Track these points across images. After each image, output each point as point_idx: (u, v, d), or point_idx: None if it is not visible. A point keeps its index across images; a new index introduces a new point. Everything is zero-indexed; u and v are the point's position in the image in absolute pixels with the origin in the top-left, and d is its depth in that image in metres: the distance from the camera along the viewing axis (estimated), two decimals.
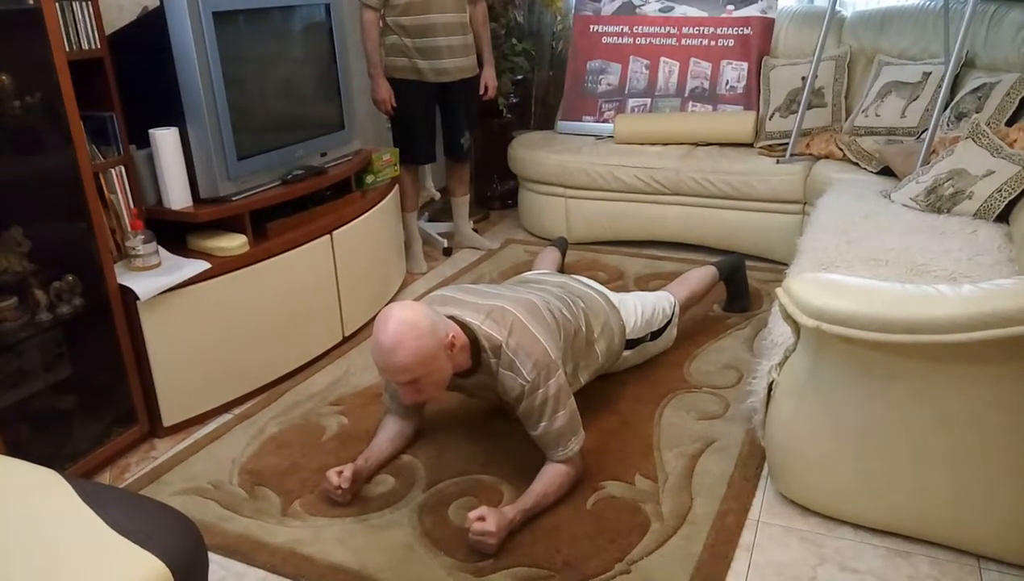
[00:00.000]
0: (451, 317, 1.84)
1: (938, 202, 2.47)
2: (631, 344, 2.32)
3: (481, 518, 1.72)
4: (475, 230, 3.80)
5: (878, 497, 1.73)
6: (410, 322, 1.68)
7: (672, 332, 2.49)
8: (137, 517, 1.14)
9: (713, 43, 3.73)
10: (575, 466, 1.90)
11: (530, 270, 2.73)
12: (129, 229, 2.20)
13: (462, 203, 3.67)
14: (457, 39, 3.21)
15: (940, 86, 2.92)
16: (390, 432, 2.09)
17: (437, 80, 3.23)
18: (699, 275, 2.65)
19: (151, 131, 2.27)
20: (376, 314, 2.96)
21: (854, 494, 1.76)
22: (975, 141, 2.52)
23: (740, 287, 2.84)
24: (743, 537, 1.79)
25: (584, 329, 2.07)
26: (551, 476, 1.87)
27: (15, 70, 1.93)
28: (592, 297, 2.21)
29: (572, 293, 2.16)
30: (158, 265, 2.21)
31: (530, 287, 2.16)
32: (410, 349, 1.67)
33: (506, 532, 1.76)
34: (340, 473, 1.91)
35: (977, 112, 2.87)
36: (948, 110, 3.00)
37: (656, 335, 2.41)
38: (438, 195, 4.05)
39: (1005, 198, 2.35)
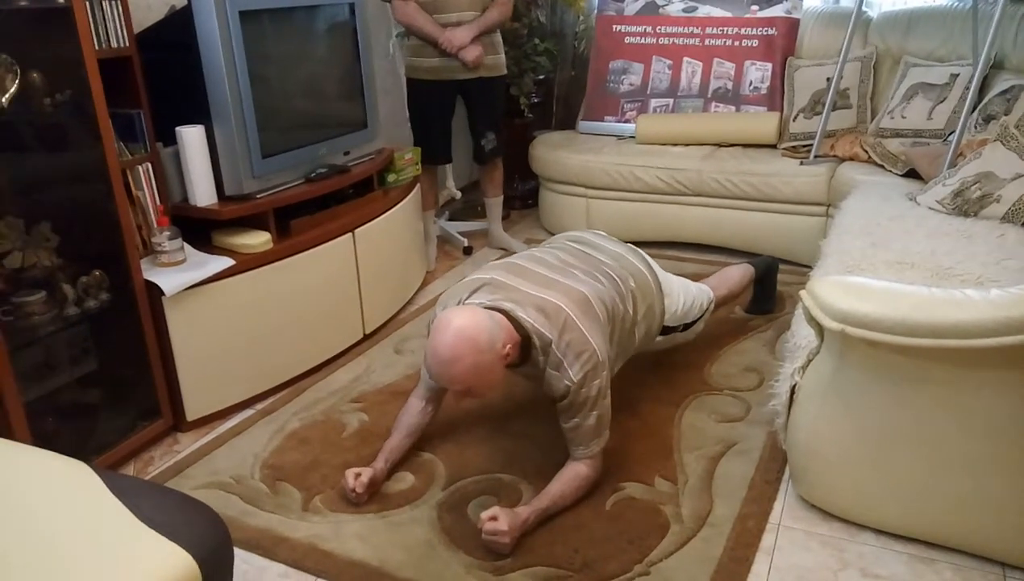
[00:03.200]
0: (503, 311, 1.79)
1: (965, 205, 2.44)
2: (664, 331, 2.27)
3: (493, 518, 1.72)
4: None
5: (901, 502, 1.71)
6: (469, 337, 1.66)
7: (700, 326, 2.44)
8: (165, 510, 1.15)
9: (737, 43, 3.71)
10: (594, 468, 1.90)
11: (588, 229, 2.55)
12: (155, 225, 2.23)
13: (495, 204, 3.67)
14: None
15: (968, 88, 2.88)
16: (410, 425, 2.07)
17: (453, 77, 3.24)
18: (739, 274, 2.61)
19: (178, 129, 2.29)
20: (396, 312, 3.01)
21: (876, 499, 1.75)
22: (1003, 144, 2.49)
23: (769, 289, 2.81)
24: (764, 541, 1.78)
25: (631, 313, 2.01)
26: (569, 477, 1.87)
27: (46, 68, 1.96)
28: (644, 278, 2.12)
29: (626, 269, 2.08)
30: (183, 261, 2.24)
31: (585, 262, 2.05)
32: (467, 364, 1.65)
33: (520, 532, 1.76)
34: (358, 476, 1.92)
35: (1006, 114, 2.83)
36: (976, 112, 2.97)
37: (687, 326, 2.37)
38: (459, 194, 4.07)
39: None
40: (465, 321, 1.68)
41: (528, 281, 1.90)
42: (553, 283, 1.89)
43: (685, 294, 2.31)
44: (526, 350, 1.80)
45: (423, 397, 2.08)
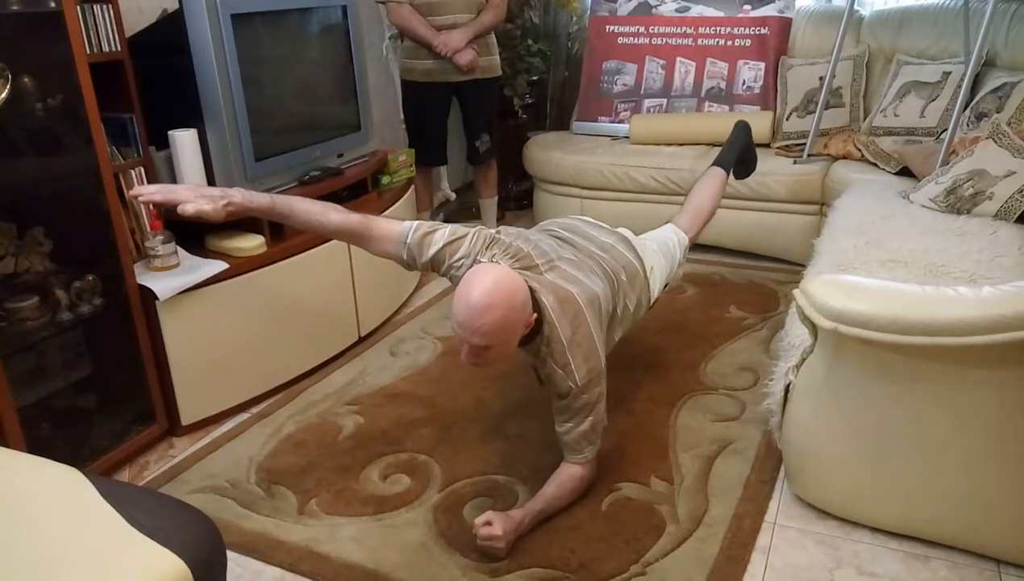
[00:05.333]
0: (529, 287, 1.73)
1: (958, 203, 2.44)
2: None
3: (488, 523, 1.72)
4: None
5: (896, 500, 1.72)
6: (507, 291, 1.62)
7: (680, 272, 2.37)
8: (157, 515, 1.15)
9: (730, 43, 3.72)
10: (589, 471, 1.90)
11: (582, 216, 2.39)
12: (148, 230, 2.22)
13: (489, 205, 3.68)
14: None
15: (960, 86, 2.89)
16: (330, 223, 1.91)
17: (448, 79, 3.25)
18: (710, 198, 2.50)
19: (170, 132, 2.29)
20: (392, 315, 3.00)
21: (871, 497, 1.75)
22: (995, 141, 2.50)
23: (749, 159, 2.73)
24: (759, 540, 1.79)
25: (619, 312, 1.98)
26: (564, 479, 1.87)
27: (37, 72, 1.96)
28: (633, 269, 2.06)
29: (617, 261, 2.03)
30: (177, 265, 2.23)
31: (587, 255, 1.98)
32: (497, 318, 1.60)
33: (514, 535, 1.75)
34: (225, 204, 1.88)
35: (998, 112, 2.84)
36: (968, 110, 2.97)
37: (667, 284, 2.31)
38: (453, 196, 4.07)
39: None
40: (504, 275, 1.65)
41: (551, 270, 1.85)
42: (573, 279, 1.85)
43: (663, 265, 2.22)
44: (532, 334, 1.77)
45: (364, 234, 1.91)
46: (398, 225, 1.91)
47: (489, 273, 1.64)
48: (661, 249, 2.27)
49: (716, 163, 2.64)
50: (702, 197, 2.53)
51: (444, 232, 1.88)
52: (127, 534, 1.12)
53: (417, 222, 1.91)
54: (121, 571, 1.07)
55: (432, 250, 1.87)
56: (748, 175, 2.82)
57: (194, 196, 1.88)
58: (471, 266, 1.82)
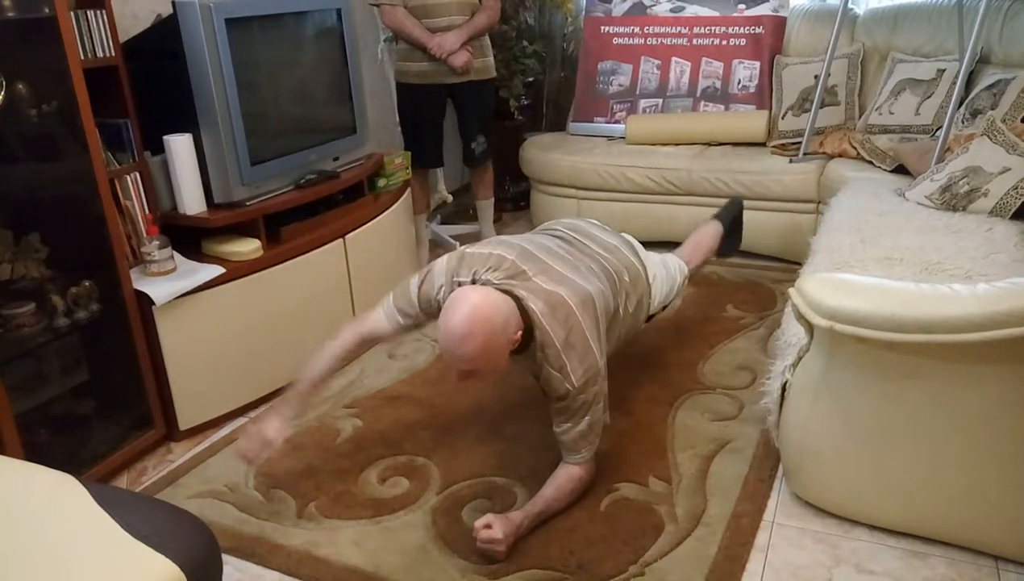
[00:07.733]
0: (516, 297, 1.76)
1: (953, 200, 2.45)
2: (647, 319, 2.25)
3: (488, 526, 1.72)
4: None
5: (894, 497, 1.72)
6: (485, 316, 1.63)
7: (677, 302, 2.41)
8: (152, 521, 1.15)
9: (725, 42, 3.72)
10: (588, 471, 1.90)
11: (587, 218, 2.47)
12: (144, 235, 2.22)
13: (486, 206, 3.68)
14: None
15: (955, 83, 2.90)
16: (338, 357, 2.00)
17: (442, 81, 3.25)
18: (710, 240, 2.60)
19: (165, 137, 2.29)
20: None
21: (869, 495, 1.75)
22: (990, 138, 2.50)
23: (737, 231, 2.79)
24: (758, 538, 1.79)
25: (621, 312, 1.98)
26: (563, 480, 1.87)
27: (31, 79, 1.96)
28: (636, 271, 2.09)
29: (620, 262, 2.05)
30: (173, 270, 2.23)
31: (586, 254, 2.01)
32: (479, 343, 1.62)
33: (514, 537, 1.75)
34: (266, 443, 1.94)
35: (992, 109, 2.85)
36: (963, 107, 2.98)
37: (666, 306, 2.35)
38: (450, 198, 4.07)
39: (1021, 196, 2.33)
40: (482, 299, 1.66)
41: (541, 273, 1.85)
42: (564, 280, 1.85)
43: (664, 277, 2.27)
44: (526, 341, 1.78)
45: (365, 337, 2.00)
46: (379, 306, 1.99)
47: (466, 300, 1.65)
48: (664, 264, 2.31)
49: (714, 218, 2.72)
50: (702, 235, 2.62)
51: (413, 279, 1.94)
52: (122, 539, 1.12)
53: (390, 293, 1.97)
54: (116, 576, 1.07)
55: (414, 298, 1.93)
56: (731, 253, 2.82)
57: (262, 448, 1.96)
58: (451, 290, 1.85)
